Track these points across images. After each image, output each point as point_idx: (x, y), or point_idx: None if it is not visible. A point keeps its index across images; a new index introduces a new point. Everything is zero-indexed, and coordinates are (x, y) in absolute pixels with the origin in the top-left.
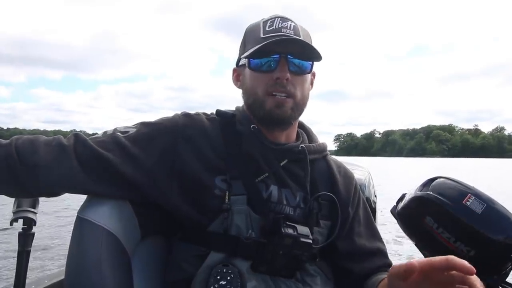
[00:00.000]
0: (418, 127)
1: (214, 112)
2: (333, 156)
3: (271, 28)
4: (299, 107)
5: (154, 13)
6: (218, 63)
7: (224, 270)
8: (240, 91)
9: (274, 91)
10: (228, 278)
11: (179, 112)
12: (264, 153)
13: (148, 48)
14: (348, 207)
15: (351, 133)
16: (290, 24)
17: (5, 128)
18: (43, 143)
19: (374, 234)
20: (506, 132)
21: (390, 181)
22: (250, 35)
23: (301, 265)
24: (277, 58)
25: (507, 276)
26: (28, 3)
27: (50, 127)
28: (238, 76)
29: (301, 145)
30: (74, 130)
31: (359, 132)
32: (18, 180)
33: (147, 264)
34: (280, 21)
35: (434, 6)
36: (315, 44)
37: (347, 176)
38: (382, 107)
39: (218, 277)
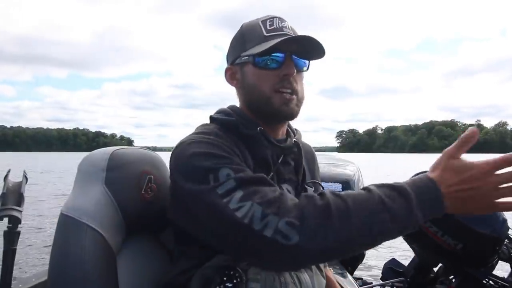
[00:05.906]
0: (420, 123)
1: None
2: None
3: (272, 27)
4: (301, 103)
5: (158, 11)
6: (222, 60)
7: (231, 272)
8: (234, 89)
9: (280, 88)
10: (235, 281)
11: (194, 136)
12: (272, 152)
13: (151, 45)
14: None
15: (353, 129)
16: (288, 25)
17: (8, 126)
18: None
19: None
20: (509, 127)
21: (391, 178)
22: (250, 34)
23: None
24: (283, 55)
25: (494, 269)
26: (32, 1)
27: (54, 126)
28: (233, 74)
29: (294, 139)
30: (78, 128)
31: (361, 128)
32: None
33: (133, 261)
34: (279, 21)
35: (440, 2)
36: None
37: (311, 151)
38: (385, 103)
39: (225, 278)
